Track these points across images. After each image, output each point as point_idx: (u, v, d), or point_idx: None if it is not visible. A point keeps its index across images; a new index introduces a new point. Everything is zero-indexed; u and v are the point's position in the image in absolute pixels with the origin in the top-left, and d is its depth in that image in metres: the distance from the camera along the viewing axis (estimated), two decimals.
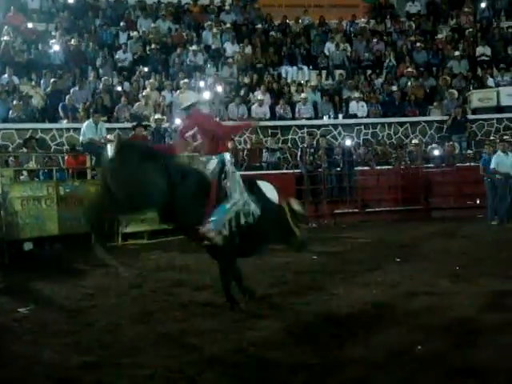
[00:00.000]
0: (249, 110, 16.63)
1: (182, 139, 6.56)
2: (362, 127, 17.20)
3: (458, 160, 15.88)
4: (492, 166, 13.13)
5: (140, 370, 4.39)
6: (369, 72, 18.94)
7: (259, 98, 16.65)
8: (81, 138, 13.60)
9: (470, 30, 19.99)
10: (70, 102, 15.00)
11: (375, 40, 19.71)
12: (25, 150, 12.63)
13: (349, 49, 19.46)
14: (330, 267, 8.51)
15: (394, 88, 18.03)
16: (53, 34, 17.64)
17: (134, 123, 13.80)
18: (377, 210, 14.13)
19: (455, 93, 17.50)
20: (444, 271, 7.75)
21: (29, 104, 14.90)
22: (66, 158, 13.03)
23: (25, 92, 15.23)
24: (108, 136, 13.53)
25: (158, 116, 14.86)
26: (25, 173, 11.75)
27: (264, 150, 15.78)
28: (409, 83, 18.16)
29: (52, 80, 15.50)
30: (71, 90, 15.45)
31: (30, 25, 17.70)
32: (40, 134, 14.53)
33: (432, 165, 15.85)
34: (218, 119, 6.78)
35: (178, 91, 15.89)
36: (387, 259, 8.87)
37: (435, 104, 17.75)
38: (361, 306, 6.12)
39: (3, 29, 16.72)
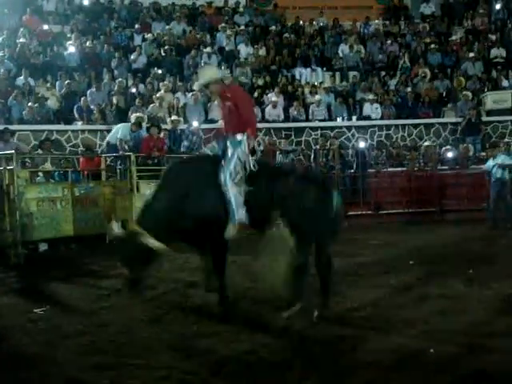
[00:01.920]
0: (262, 111, 16.67)
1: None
2: (376, 129, 17.18)
3: (471, 162, 15.81)
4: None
5: (154, 372, 4.42)
6: (383, 74, 18.92)
7: (273, 99, 16.69)
8: (109, 137, 13.72)
9: (485, 31, 19.91)
10: (85, 103, 15.12)
11: (389, 41, 19.71)
12: (40, 151, 12.72)
13: (363, 50, 19.46)
14: (342, 269, 8.50)
15: (408, 90, 18.00)
16: (68, 36, 17.77)
17: (148, 124, 13.90)
18: (390, 212, 14.08)
19: (469, 94, 17.44)
20: (457, 274, 7.72)
21: (44, 106, 15.03)
22: (81, 159, 13.12)
23: (40, 94, 15.35)
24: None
25: (174, 117, 14.94)
26: (40, 174, 11.83)
27: (277, 152, 15.80)
28: (423, 85, 18.12)
29: (67, 82, 15.62)
30: (87, 92, 15.56)
31: (45, 27, 17.83)
32: (55, 135, 14.63)
33: (446, 167, 15.79)
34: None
35: (191, 93, 16.01)
36: (400, 262, 8.85)
37: (449, 106, 17.71)
38: (373, 308, 6.12)
39: (19, 31, 16.86)
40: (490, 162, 13.27)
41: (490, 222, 13.06)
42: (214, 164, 6.12)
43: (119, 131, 13.57)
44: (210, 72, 6.60)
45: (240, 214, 5.99)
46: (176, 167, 6.75)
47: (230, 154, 6.10)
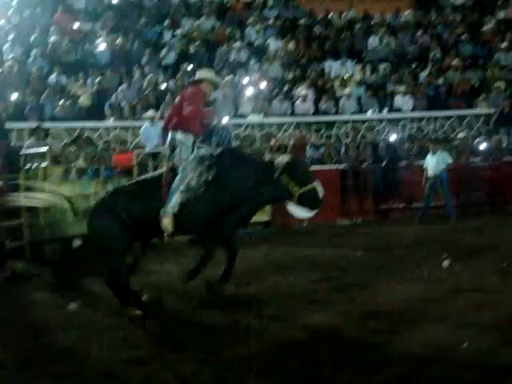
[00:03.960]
0: (292, 105, 16.63)
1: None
2: (407, 122, 17.01)
3: (505, 154, 15.59)
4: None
5: (186, 366, 4.46)
6: (414, 65, 18.71)
7: (302, 93, 16.63)
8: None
9: None
10: (117, 100, 15.25)
11: (420, 33, 19.46)
12: (73, 148, 12.86)
13: (393, 42, 19.24)
14: (374, 263, 8.48)
15: (440, 81, 17.79)
16: (98, 33, 17.90)
17: None
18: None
19: (502, 85, 17.17)
20: (492, 267, 7.63)
21: (76, 103, 15.18)
22: (113, 156, 13.23)
23: (72, 91, 15.51)
24: None
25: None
26: (73, 171, 11.97)
27: (308, 146, 15.75)
28: (455, 76, 17.89)
29: (98, 79, 15.76)
30: (118, 89, 15.68)
31: (76, 25, 17.98)
32: (87, 132, 14.78)
33: (479, 159, 15.59)
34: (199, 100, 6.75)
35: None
36: (433, 255, 8.77)
37: (482, 97, 17.45)
38: (406, 302, 6.08)
39: (50, 29, 17.04)
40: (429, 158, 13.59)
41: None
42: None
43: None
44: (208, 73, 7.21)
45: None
46: None
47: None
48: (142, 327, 5.61)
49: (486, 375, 4.05)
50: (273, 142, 15.54)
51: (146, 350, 4.90)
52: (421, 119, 17.06)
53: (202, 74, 7.04)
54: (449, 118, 17.13)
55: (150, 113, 14.08)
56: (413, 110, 17.03)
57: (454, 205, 13.58)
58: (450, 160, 13.61)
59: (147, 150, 13.56)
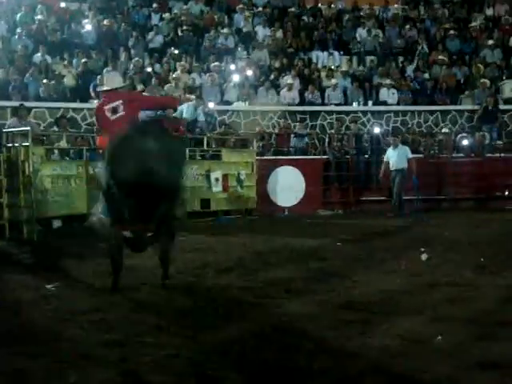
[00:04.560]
0: (278, 94, 16.63)
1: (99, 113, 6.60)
2: (392, 115, 17.09)
3: (487, 150, 15.72)
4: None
5: (163, 350, 4.46)
6: (400, 59, 18.77)
7: (289, 82, 16.62)
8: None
9: (506, 18, 19.65)
10: (102, 82, 15.13)
11: (408, 26, 19.52)
12: (56, 128, 12.78)
13: (381, 35, 19.29)
14: (353, 254, 8.54)
15: (426, 76, 17.86)
16: (86, 13, 17.76)
17: None
18: (404, 198, 14.04)
19: (487, 82, 17.28)
20: (469, 262, 7.70)
21: (61, 83, 15.07)
22: (97, 137, 13.14)
23: (57, 71, 15.40)
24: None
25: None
26: (56, 151, 11.90)
27: (292, 136, 15.76)
28: (441, 71, 17.97)
29: (84, 60, 15.63)
30: (104, 70, 15.55)
31: (62, 4, 17.83)
32: (71, 113, 14.69)
33: (461, 154, 15.72)
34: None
35: (207, 74, 15.96)
36: (411, 248, 8.86)
37: (467, 93, 17.57)
38: (383, 294, 6.12)
39: (37, 8, 16.86)
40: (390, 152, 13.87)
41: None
42: None
43: (183, 111, 13.67)
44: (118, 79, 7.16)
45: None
46: None
47: None
48: (120, 310, 5.60)
49: (460, 369, 4.10)
50: (257, 129, 15.55)
51: (123, 333, 4.89)
52: (405, 113, 17.14)
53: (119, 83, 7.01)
54: (433, 112, 17.23)
55: None
56: (398, 103, 17.10)
57: (403, 201, 13.79)
58: (410, 154, 13.71)
59: None
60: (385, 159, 13.87)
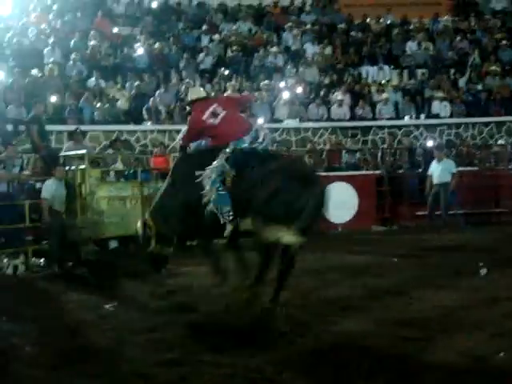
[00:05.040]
0: (328, 110, 16.60)
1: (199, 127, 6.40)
2: (445, 127, 16.84)
3: None
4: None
5: (220, 369, 4.47)
6: (452, 71, 18.52)
7: (339, 98, 16.58)
8: None
9: None
10: (154, 104, 15.39)
11: (458, 38, 19.26)
12: (111, 151, 13.02)
13: (431, 47, 19.08)
14: (410, 270, 8.41)
15: (479, 87, 17.57)
16: (137, 38, 18.11)
17: None
18: (459, 212, 13.75)
19: None
20: None
21: (114, 106, 15.38)
22: (151, 158, 13.34)
23: (111, 95, 15.71)
24: None
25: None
26: (111, 173, 12.11)
27: (344, 151, 15.68)
28: (494, 82, 17.65)
29: (136, 83, 15.92)
30: (156, 93, 15.82)
31: (115, 29, 18.23)
32: (125, 135, 14.95)
33: None
34: None
35: (257, 92, 16.02)
36: (469, 263, 8.66)
37: None
38: (442, 310, 6.02)
39: (90, 34, 17.28)
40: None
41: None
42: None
43: None
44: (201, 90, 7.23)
45: None
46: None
47: None
48: (177, 330, 5.64)
49: None
50: (308, 146, 15.52)
51: (180, 352, 4.92)
52: (459, 125, 16.86)
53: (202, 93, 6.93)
54: (487, 124, 16.90)
55: None
56: (451, 115, 16.84)
57: (448, 214, 13.49)
58: (454, 169, 13.41)
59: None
60: (428, 173, 13.63)
